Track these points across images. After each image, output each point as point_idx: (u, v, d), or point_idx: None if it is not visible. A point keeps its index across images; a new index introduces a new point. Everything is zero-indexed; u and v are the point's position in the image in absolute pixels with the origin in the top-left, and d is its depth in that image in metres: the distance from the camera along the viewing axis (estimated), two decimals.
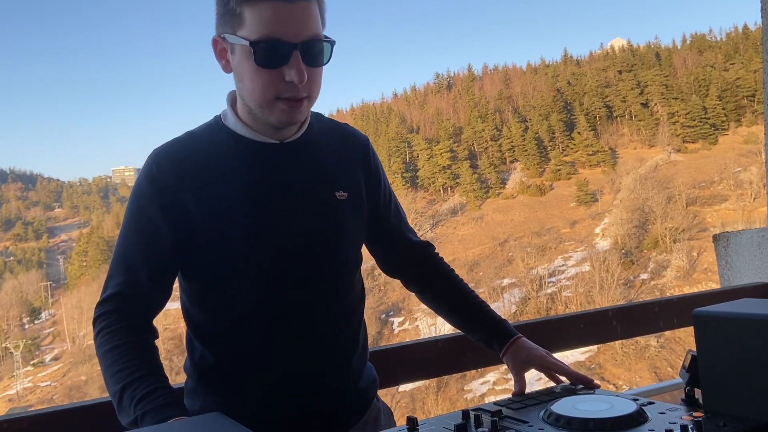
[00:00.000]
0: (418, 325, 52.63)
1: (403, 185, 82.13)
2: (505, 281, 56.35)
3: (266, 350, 1.24)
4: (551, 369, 1.37)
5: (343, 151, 1.36)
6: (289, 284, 1.24)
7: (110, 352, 1.14)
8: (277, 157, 1.26)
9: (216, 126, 1.29)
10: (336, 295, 1.31)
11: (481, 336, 1.47)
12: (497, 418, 1.04)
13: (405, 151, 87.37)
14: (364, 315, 1.43)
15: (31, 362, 62.68)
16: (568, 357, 36.02)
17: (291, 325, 1.25)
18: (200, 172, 1.22)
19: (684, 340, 38.29)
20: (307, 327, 1.26)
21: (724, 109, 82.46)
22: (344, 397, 1.32)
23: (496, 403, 1.20)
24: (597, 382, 1.31)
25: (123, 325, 1.18)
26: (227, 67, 1.22)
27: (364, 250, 1.48)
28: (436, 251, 1.57)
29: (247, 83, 1.18)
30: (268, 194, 1.23)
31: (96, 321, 1.21)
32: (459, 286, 1.50)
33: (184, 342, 1.36)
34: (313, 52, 1.15)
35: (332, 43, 1.19)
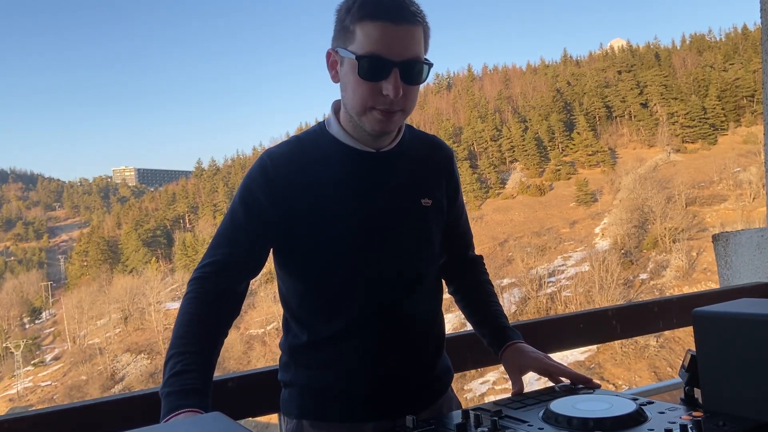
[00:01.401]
0: None
1: None
2: (505, 281, 56.34)
3: (352, 336, 1.37)
4: (550, 371, 1.40)
5: (431, 162, 1.51)
6: (378, 280, 1.38)
7: (184, 316, 1.25)
8: (373, 165, 1.40)
9: (321, 132, 1.43)
10: (418, 287, 1.44)
11: (486, 339, 1.58)
12: (497, 418, 1.05)
13: None
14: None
15: (32, 362, 62.64)
16: (568, 357, 36.06)
17: (375, 314, 1.38)
18: (306, 173, 1.36)
19: (683, 339, 38.28)
20: (390, 318, 1.39)
21: (723, 109, 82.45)
22: (421, 379, 1.44)
23: (496, 403, 1.21)
24: (597, 381, 1.32)
25: (206, 296, 1.28)
26: (336, 78, 1.36)
27: None
28: (484, 266, 1.71)
29: (349, 92, 1.32)
30: (362, 198, 1.38)
31: (189, 283, 1.31)
32: (485, 294, 1.63)
33: (280, 322, 1.50)
34: (412, 71, 1.29)
35: (430, 65, 1.32)
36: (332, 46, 1.35)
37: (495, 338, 1.53)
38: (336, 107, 1.44)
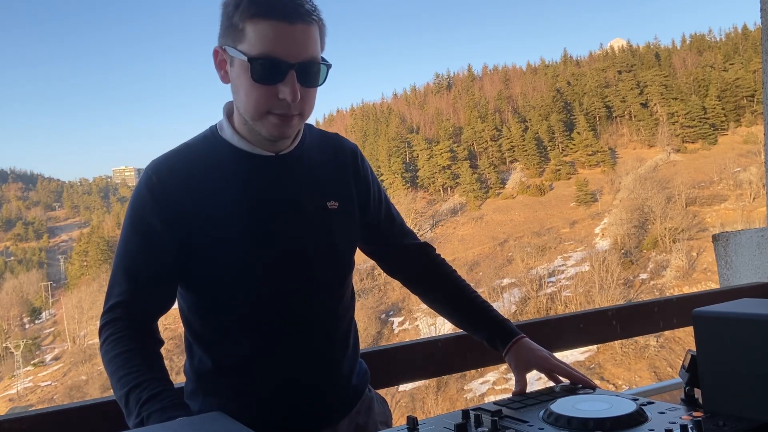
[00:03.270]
0: (418, 325, 52.61)
1: (403, 185, 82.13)
2: (505, 281, 56.32)
3: (261, 356, 1.29)
4: (554, 371, 1.38)
5: (334, 162, 1.42)
6: (283, 292, 1.29)
7: (116, 358, 1.17)
8: (272, 169, 1.30)
9: (212, 137, 1.33)
10: (328, 301, 1.36)
11: (484, 335, 1.49)
12: (497, 418, 1.05)
13: (405, 152, 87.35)
14: (355, 316, 1.49)
15: (32, 362, 62.66)
16: (568, 357, 36.01)
17: (284, 332, 1.30)
18: (198, 183, 1.26)
19: (683, 340, 38.28)
20: (301, 333, 1.31)
21: (723, 109, 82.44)
22: (337, 395, 1.38)
23: (496, 403, 1.20)
24: (596, 382, 1.31)
25: (127, 333, 1.20)
26: (225, 78, 1.26)
27: (360, 254, 1.52)
28: (437, 252, 1.61)
29: (242, 96, 1.22)
30: (262, 205, 1.28)
31: (102, 330, 1.23)
32: (460, 286, 1.54)
33: (183, 344, 1.40)
34: (309, 73, 1.20)
35: (328, 66, 1.24)
36: (219, 43, 1.24)
37: (496, 334, 1.47)
38: (228, 110, 1.33)
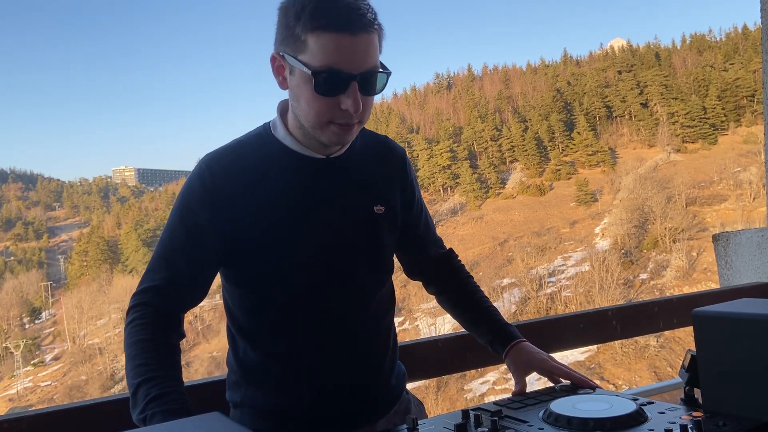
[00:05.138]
0: (418, 325, 52.61)
1: None
2: (505, 281, 56.30)
3: (302, 350, 1.32)
4: (553, 372, 1.39)
5: (383, 166, 1.44)
6: (326, 290, 1.32)
7: (136, 344, 1.19)
8: (322, 172, 1.32)
9: (265, 135, 1.34)
10: (370, 301, 1.38)
11: (486, 338, 1.52)
12: (497, 418, 1.04)
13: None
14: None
15: (32, 362, 62.68)
16: (568, 357, 36.02)
17: (327, 330, 1.33)
18: (248, 180, 1.27)
19: (684, 340, 38.28)
20: (343, 331, 1.34)
21: (723, 109, 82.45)
22: (376, 393, 1.41)
23: (496, 403, 1.21)
24: (596, 382, 1.31)
25: (153, 320, 1.22)
26: (283, 84, 1.26)
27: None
28: (458, 259, 1.65)
29: (303, 105, 1.22)
30: (311, 206, 1.30)
31: (130, 311, 1.25)
32: (471, 290, 1.58)
33: (226, 336, 1.42)
34: (370, 82, 1.21)
35: (388, 74, 1.24)
36: (277, 49, 1.24)
37: (497, 337, 1.49)
38: (282, 109, 1.34)
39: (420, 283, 1.64)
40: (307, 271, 1.30)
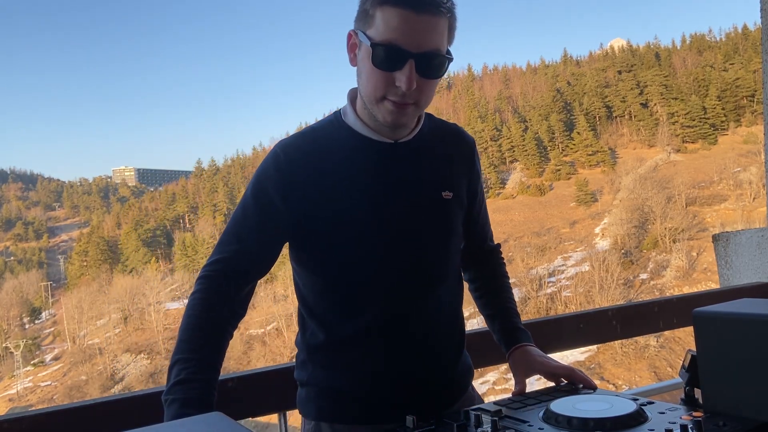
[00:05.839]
0: None
1: None
2: None
3: (369, 334, 1.34)
4: (555, 373, 1.40)
5: (451, 153, 1.45)
6: (394, 275, 1.33)
7: (191, 318, 1.23)
8: (391, 156, 1.35)
9: (336, 122, 1.38)
10: (437, 287, 1.40)
11: (497, 336, 1.55)
12: (497, 418, 1.05)
13: None
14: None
15: (32, 362, 62.64)
16: (568, 357, 36.01)
17: (397, 312, 1.34)
18: (321, 164, 1.31)
19: (684, 340, 38.28)
20: (412, 314, 1.35)
21: (723, 109, 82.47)
22: (438, 385, 1.41)
23: (496, 403, 1.20)
24: (596, 382, 1.31)
25: (214, 295, 1.26)
26: (353, 61, 1.30)
27: None
28: (501, 256, 1.68)
29: (363, 79, 1.27)
30: (379, 189, 1.32)
31: (198, 280, 1.29)
32: (501, 289, 1.60)
33: (296, 318, 1.47)
34: (429, 64, 1.22)
35: (450, 59, 1.25)
36: (354, 27, 1.29)
37: (505, 337, 1.51)
38: (352, 96, 1.38)
39: None
40: (376, 254, 1.32)
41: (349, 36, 1.30)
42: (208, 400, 1.16)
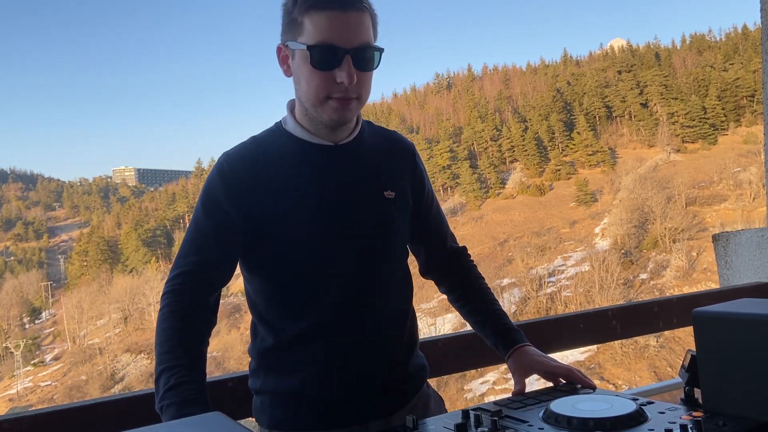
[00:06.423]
0: (418, 325, 52.52)
1: None
2: (505, 281, 56.28)
3: (316, 333, 1.35)
4: (555, 373, 1.40)
5: (391, 156, 1.49)
6: (340, 274, 1.35)
7: (164, 332, 1.25)
8: (332, 157, 1.38)
9: (277, 131, 1.42)
10: (383, 284, 1.42)
11: (491, 341, 1.55)
12: (497, 418, 1.05)
13: None
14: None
15: (32, 362, 62.64)
16: (568, 357, 36.01)
17: (343, 312, 1.36)
18: (264, 170, 1.35)
19: (683, 339, 38.28)
20: (359, 314, 1.37)
21: (723, 109, 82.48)
22: (391, 383, 1.41)
23: (496, 403, 1.21)
24: (596, 382, 1.31)
25: (183, 307, 1.28)
26: (288, 72, 1.35)
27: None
28: (470, 258, 1.68)
29: (303, 84, 1.30)
30: (323, 191, 1.35)
31: (164, 296, 1.31)
32: (481, 292, 1.60)
33: (249, 329, 1.49)
34: (363, 57, 1.28)
35: (381, 51, 1.31)
36: (282, 41, 1.34)
37: (501, 339, 1.51)
38: (291, 106, 1.42)
39: (430, 282, 1.66)
40: (321, 254, 1.34)
41: (279, 49, 1.35)
42: (204, 400, 1.17)
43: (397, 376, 1.43)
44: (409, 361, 1.47)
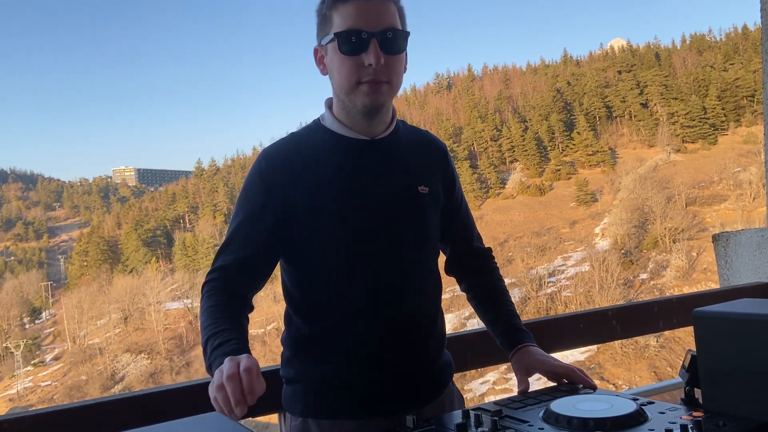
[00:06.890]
0: None
1: None
2: (505, 281, 56.00)
3: (350, 324, 1.39)
4: (556, 372, 1.41)
5: (425, 154, 1.54)
6: (373, 267, 1.39)
7: (207, 310, 1.31)
8: (367, 152, 1.42)
9: (315, 127, 1.47)
10: (415, 278, 1.45)
11: (499, 339, 1.59)
12: (497, 418, 1.05)
13: None
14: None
15: (32, 362, 62.62)
16: (568, 357, 36.01)
17: (375, 304, 1.39)
18: (301, 165, 1.39)
19: (684, 340, 38.26)
20: (389, 306, 1.40)
21: (723, 109, 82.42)
22: (422, 375, 1.45)
23: (496, 403, 1.21)
24: (596, 382, 1.32)
25: (219, 290, 1.34)
26: (324, 70, 1.42)
27: None
28: (494, 260, 1.72)
29: (336, 75, 1.36)
30: (358, 185, 1.39)
31: (203, 287, 1.37)
32: (499, 293, 1.64)
33: (283, 318, 1.53)
34: (390, 40, 1.32)
35: (407, 34, 1.37)
36: (317, 42, 1.41)
37: (507, 339, 1.54)
38: (329, 103, 1.46)
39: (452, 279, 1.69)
40: (355, 247, 1.38)
41: (316, 51, 1.42)
42: (248, 351, 1.21)
43: (428, 368, 1.46)
44: (440, 355, 1.50)
